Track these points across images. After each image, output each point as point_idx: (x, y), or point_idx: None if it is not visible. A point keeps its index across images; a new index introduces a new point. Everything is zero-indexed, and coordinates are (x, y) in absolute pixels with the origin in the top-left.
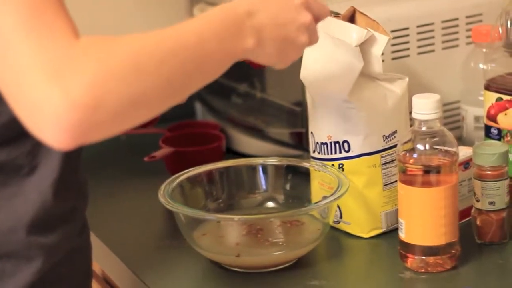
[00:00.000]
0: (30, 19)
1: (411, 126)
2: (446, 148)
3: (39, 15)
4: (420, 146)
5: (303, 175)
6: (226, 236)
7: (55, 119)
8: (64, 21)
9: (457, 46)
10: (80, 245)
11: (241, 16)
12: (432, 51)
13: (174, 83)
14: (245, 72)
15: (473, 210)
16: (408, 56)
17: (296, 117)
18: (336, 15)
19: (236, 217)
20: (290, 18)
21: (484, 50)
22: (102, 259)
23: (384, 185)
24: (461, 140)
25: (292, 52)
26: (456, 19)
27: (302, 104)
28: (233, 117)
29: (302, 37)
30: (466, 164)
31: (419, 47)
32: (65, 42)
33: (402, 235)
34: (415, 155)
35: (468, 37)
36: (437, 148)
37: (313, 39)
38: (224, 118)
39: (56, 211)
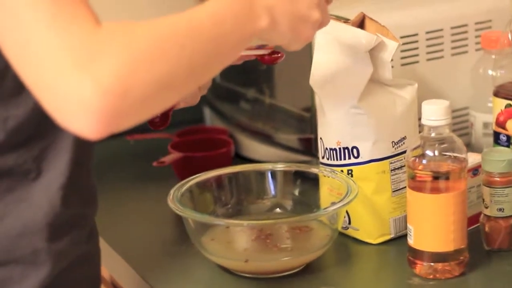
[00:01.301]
0: (51, 8)
1: (420, 132)
2: (455, 154)
3: (60, 4)
4: (429, 152)
5: (312, 181)
6: (235, 241)
7: (86, 107)
8: (85, 10)
9: (466, 52)
10: (89, 251)
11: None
12: (441, 57)
13: (196, 65)
14: (253, 77)
15: (481, 216)
16: (417, 62)
17: (305, 123)
18: (346, 20)
19: (245, 222)
20: (300, 3)
21: (493, 56)
22: (111, 264)
23: (393, 191)
24: (470, 147)
25: (306, 30)
26: (465, 25)
27: (311, 109)
28: (242, 123)
29: (315, 13)
30: (475, 170)
31: (428, 53)
32: (89, 29)
33: (411, 241)
34: (424, 161)
35: (477, 43)
36: (446, 155)
37: (325, 19)
38: (232, 124)
39: (64, 217)
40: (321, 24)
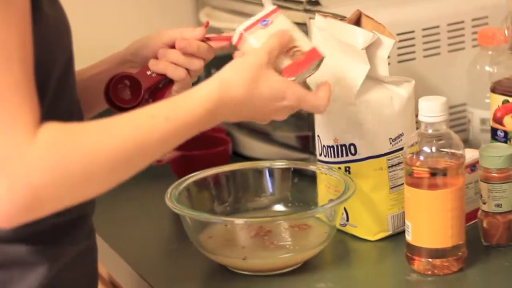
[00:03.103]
0: None
1: (417, 128)
2: (452, 150)
3: (3, 103)
4: (426, 149)
5: (310, 178)
6: (233, 239)
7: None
8: (27, 112)
9: (463, 49)
10: (87, 248)
11: (217, 113)
12: (438, 54)
13: (123, 178)
14: None
15: (479, 212)
16: (414, 59)
17: (302, 121)
18: (342, 18)
19: (242, 220)
20: (265, 113)
21: (490, 52)
22: (109, 263)
23: (391, 188)
24: (467, 143)
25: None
26: (462, 22)
27: None
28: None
29: (276, 118)
30: (473, 166)
31: (425, 50)
32: (22, 139)
33: (409, 237)
34: (421, 158)
35: (474, 40)
36: (443, 151)
37: (298, 104)
38: (230, 122)
39: (63, 219)
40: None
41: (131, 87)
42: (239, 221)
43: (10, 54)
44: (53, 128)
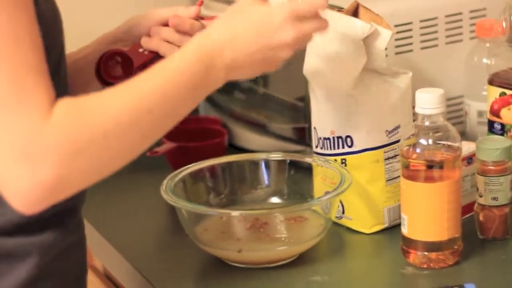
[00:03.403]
0: (8, 91)
1: (414, 121)
2: (449, 143)
3: (18, 86)
4: (423, 141)
5: (306, 170)
6: (228, 231)
7: (20, 198)
8: (41, 91)
9: (460, 41)
10: (76, 240)
11: (207, 60)
12: (436, 45)
13: (139, 146)
14: None
15: (476, 205)
16: (411, 51)
17: (299, 112)
18: (340, 9)
19: (238, 212)
20: (265, 43)
21: (487, 44)
22: (103, 255)
23: (387, 181)
24: (464, 135)
25: (270, 67)
26: (460, 13)
27: (305, 99)
28: (236, 112)
29: (281, 54)
30: (469, 159)
31: (422, 41)
32: (37, 120)
33: (405, 230)
34: (418, 150)
35: (471, 31)
36: (440, 143)
37: (302, 45)
38: (226, 113)
39: (50, 212)
40: (299, 40)
41: (122, 65)
42: (235, 213)
43: (22, 37)
44: (66, 103)
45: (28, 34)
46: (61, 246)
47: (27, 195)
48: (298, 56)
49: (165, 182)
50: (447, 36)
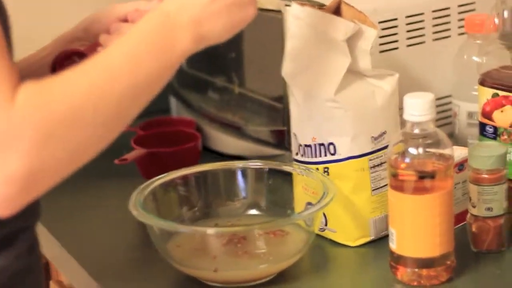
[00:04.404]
0: None
1: (401, 125)
2: (440, 151)
3: None
4: (412, 150)
5: (286, 177)
6: (203, 248)
7: None
8: (3, 77)
9: (448, 37)
10: (30, 264)
11: (167, 20)
12: (423, 42)
13: (114, 122)
14: (222, 64)
15: (468, 216)
16: (397, 48)
17: (277, 114)
18: (320, 6)
19: (213, 230)
20: (225, 1)
21: (478, 41)
22: (69, 271)
23: (373, 190)
24: (453, 137)
25: (246, 10)
26: (447, 8)
27: (283, 100)
28: (210, 113)
29: (248, 11)
30: (460, 165)
31: (408, 38)
32: (1, 110)
33: (393, 245)
34: (407, 160)
35: (460, 27)
36: (430, 152)
37: None
38: (200, 114)
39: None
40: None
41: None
42: (210, 230)
43: None
44: (30, 87)
45: None
46: (13, 270)
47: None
48: (276, 53)
49: (133, 195)
50: (434, 33)
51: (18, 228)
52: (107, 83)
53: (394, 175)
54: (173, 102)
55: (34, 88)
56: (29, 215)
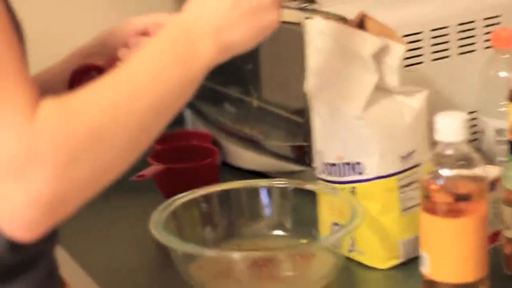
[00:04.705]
0: None
1: (433, 146)
2: (474, 172)
3: None
4: (445, 171)
5: (309, 195)
6: (226, 270)
7: (15, 219)
8: (22, 93)
9: (474, 51)
10: None
11: (187, 31)
12: (448, 56)
13: (138, 139)
14: (239, 76)
15: (502, 238)
16: (421, 62)
17: (297, 128)
18: (343, 19)
19: (239, 254)
20: (246, 7)
21: (505, 56)
22: None
23: (402, 211)
24: (480, 154)
25: (268, 17)
26: (473, 21)
27: (304, 113)
28: (227, 127)
29: (272, 15)
30: (492, 185)
31: (433, 52)
32: (22, 129)
33: (426, 270)
34: (440, 181)
35: (486, 40)
36: (464, 173)
37: None
38: (217, 128)
39: (15, 259)
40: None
41: None
42: (236, 255)
43: None
44: (51, 103)
45: (3, 32)
46: None
47: (24, 215)
48: (296, 64)
49: (154, 215)
50: (460, 46)
51: (34, 253)
52: (130, 99)
53: (427, 197)
54: (188, 115)
55: (55, 105)
56: (48, 238)
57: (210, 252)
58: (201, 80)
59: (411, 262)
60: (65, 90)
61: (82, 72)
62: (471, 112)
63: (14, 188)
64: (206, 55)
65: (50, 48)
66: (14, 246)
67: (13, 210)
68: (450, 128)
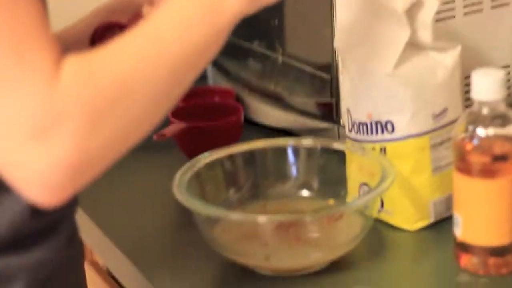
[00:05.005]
0: (7, 58)
1: (466, 102)
2: (511, 132)
3: (20, 49)
4: (481, 131)
5: (337, 154)
6: (251, 233)
7: (39, 183)
8: (45, 50)
9: (508, 4)
10: (70, 256)
11: None
12: (481, 10)
13: (165, 95)
14: (263, 30)
15: None
16: (453, 17)
17: (323, 85)
18: None
19: (265, 217)
20: None
21: None
22: (105, 254)
23: (433, 170)
24: None
25: None
26: None
27: (330, 69)
28: (250, 83)
29: None
30: None
31: (465, 6)
32: (45, 88)
33: (458, 233)
34: (475, 142)
35: None
36: (500, 132)
37: None
38: (239, 83)
39: (36, 225)
40: None
41: None
42: (261, 218)
43: None
44: (75, 60)
45: None
46: (52, 264)
47: (48, 178)
48: (322, 17)
49: (177, 177)
50: (493, 0)
51: (55, 218)
52: (156, 53)
53: (461, 157)
54: (209, 69)
55: (79, 62)
56: (70, 202)
57: (235, 216)
58: (229, 32)
59: (441, 223)
60: (87, 48)
61: (105, 30)
62: (504, 67)
63: (39, 151)
64: (234, 6)
65: (73, 5)
66: (35, 212)
67: (37, 174)
68: (487, 87)
